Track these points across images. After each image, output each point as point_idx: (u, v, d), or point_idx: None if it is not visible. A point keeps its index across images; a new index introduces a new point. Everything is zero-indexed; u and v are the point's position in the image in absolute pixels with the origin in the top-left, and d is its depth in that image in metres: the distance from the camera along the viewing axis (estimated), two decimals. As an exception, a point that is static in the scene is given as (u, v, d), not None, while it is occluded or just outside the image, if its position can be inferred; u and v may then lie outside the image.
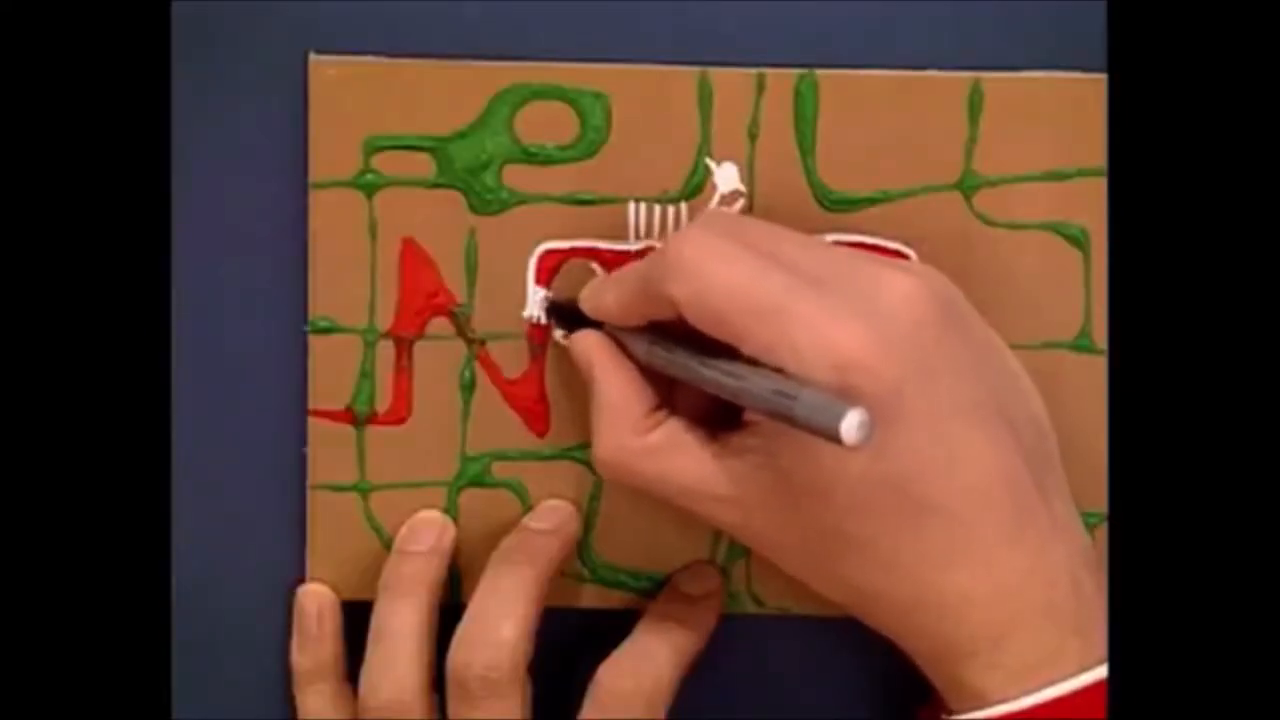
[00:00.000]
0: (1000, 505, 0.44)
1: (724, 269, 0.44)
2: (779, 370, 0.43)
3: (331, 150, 0.51)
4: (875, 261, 0.46)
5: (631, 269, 0.48)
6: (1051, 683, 0.44)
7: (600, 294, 0.49)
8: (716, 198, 0.51)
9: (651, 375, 0.48)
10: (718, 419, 0.47)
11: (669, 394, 0.48)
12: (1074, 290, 0.51)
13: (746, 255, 0.45)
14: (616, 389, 0.48)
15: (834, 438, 0.41)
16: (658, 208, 0.51)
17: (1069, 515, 0.46)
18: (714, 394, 0.45)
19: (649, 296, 0.46)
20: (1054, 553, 0.45)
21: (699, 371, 0.45)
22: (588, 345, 0.49)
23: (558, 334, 0.51)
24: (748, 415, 0.46)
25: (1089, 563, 0.45)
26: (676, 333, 0.46)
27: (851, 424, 0.41)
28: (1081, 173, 0.50)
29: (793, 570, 0.47)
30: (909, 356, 0.43)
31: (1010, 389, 0.46)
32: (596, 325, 0.49)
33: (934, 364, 0.44)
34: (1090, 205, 0.50)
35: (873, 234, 0.50)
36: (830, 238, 0.50)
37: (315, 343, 0.51)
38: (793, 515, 0.45)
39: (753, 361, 0.44)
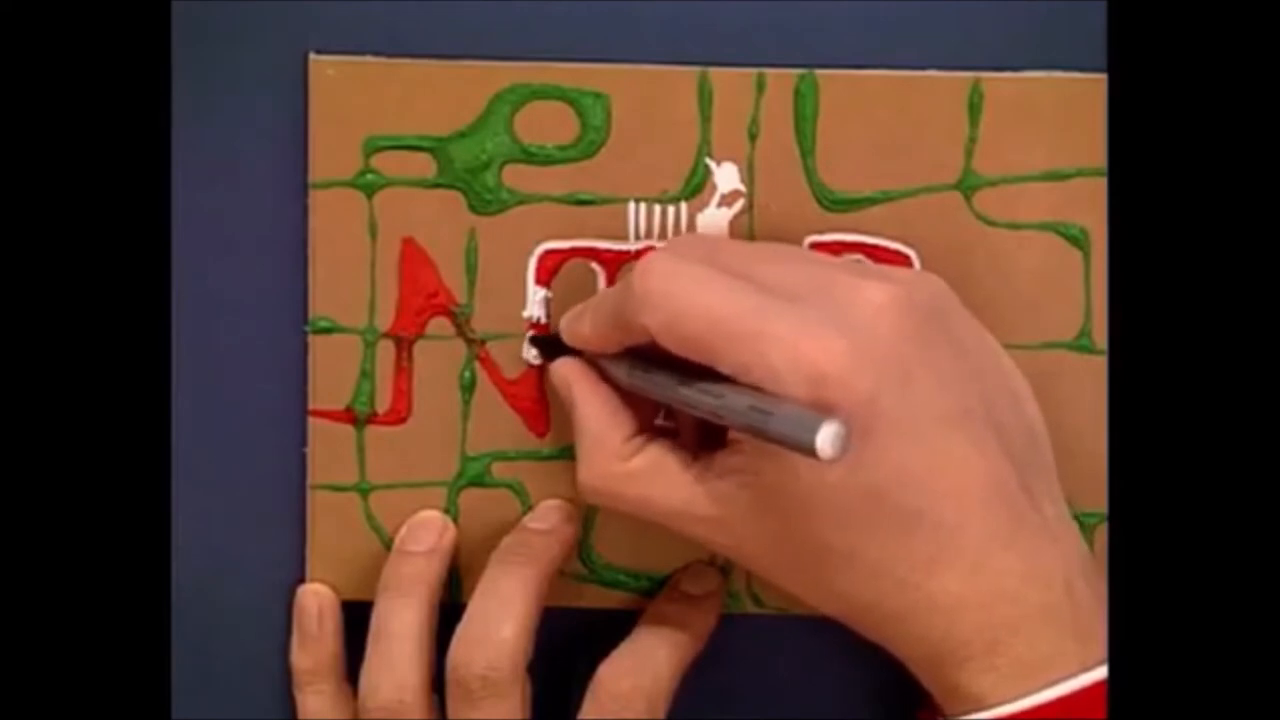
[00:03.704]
0: (987, 510, 0.44)
1: (693, 294, 0.44)
2: (757, 387, 0.43)
3: (331, 150, 0.51)
4: (853, 272, 0.46)
5: (604, 297, 0.48)
6: (1051, 684, 0.44)
7: (577, 323, 0.49)
8: (716, 198, 0.51)
9: (635, 399, 0.48)
10: (713, 440, 0.47)
11: (668, 417, 0.49)
12: (1074, 290, 0.51)
13: (715, 277, 0.45)
14: (595, 416, 0.48)
15: (810, 452, 0.41)
16: (658, 208, 0.51)
17: (1062, 520, 0.46)
18: (695, 414, 0.45)
19: (622, 326, 0.46)
20: (1047, 556, 0.45)
21: (678, 392, 0.45)
22: (566, 373, 0.49)
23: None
24: (731, 434, 0.46)
25: (1085, 568, 0.45)
26: (655, 355, 0.46)
27: (826, 438, 0.41)
28: (1081, 173, 0.50)
29: (785, 586, 0.47)
30: (884, 366, 0.43)
31: (1001, 394, 0.46)
32: (579, 353, 0.49)
33: (912, 372, 0.44)
34: (1090, 205, 0.50)
35: (873, 234, 0.50)
36: (830, 238, 0.50)
37: (315, 343, 0.51)
38: (779, 532, 0.45)
39: (731, 379, 0.44)
